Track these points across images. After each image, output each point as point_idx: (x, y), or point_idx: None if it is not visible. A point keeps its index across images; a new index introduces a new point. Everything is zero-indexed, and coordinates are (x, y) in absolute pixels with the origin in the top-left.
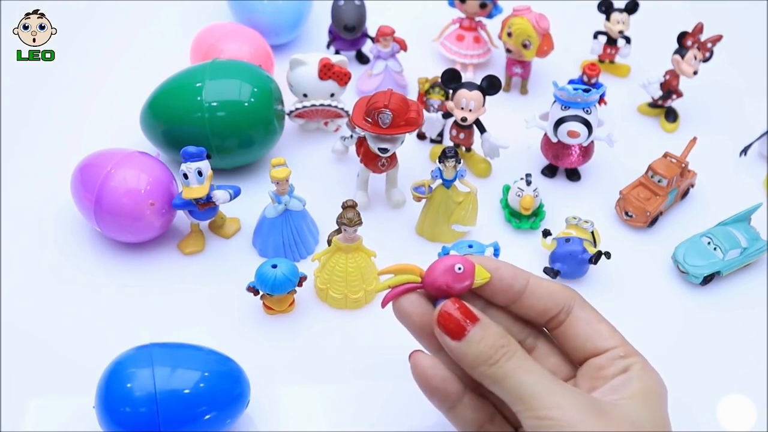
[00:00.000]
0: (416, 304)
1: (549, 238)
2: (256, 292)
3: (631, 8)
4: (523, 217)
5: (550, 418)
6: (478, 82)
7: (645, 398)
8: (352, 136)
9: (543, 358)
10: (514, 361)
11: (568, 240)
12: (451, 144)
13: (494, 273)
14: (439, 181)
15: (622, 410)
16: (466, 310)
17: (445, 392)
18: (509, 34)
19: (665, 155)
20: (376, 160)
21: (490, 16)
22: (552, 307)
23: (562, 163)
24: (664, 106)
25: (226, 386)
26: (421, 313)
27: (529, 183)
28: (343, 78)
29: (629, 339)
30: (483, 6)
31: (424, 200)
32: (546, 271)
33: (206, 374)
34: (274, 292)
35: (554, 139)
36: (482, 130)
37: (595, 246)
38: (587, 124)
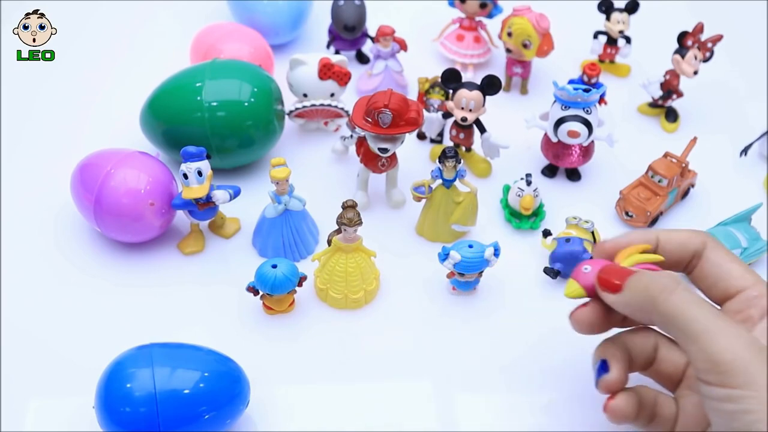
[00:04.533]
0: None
1: (549, 238)
2: (256, 292)
3: (632, 8)
4: (523, 217)
5: (722, 362)
6: (478, 82)
7: None
8: (352, 136)
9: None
10: (679, 295)
11: (568, 240)
12: (451, 144)
13: (627, 241)
14: (439, 181)
15: None
16: (618, 272)
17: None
18: (509, 34)
19: (665, 155)
20: (376, 160)
21: (490, 15)
22: (684, 256)
23: (562, 163)
24: (664, 106)
25: (225, 386)
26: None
27: (529, 183)
28: (343, 78)
29: None
30: (483, 6)
31: (424, 200)
32: (546, 271)
33: (206, 374)
34: (274, 292)
35: (554, 139)
36: (482, 130)
37: (595, 246)
38: (587, 124)
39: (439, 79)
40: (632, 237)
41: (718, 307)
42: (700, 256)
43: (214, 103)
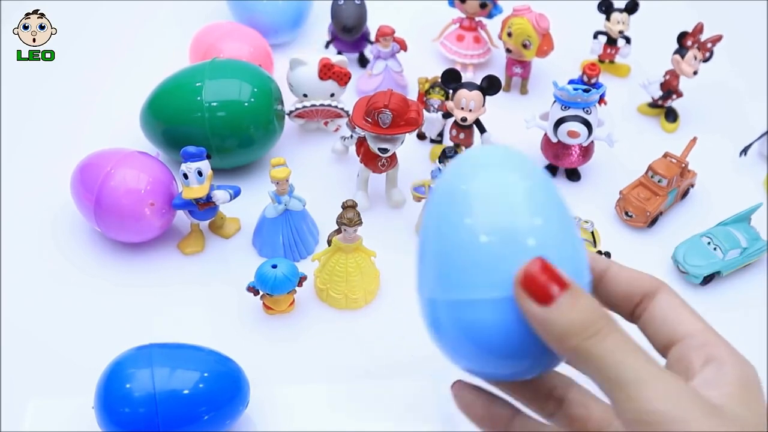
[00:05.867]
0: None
1: None
2: (256, 292)
3: (631, 8)
4: None
5: (654, 411)
6: (478, 82)
7: (744, 394)
8: (352, 136)
9: None
10: (613, 337)
11: None
12: (451, 144)
13: None
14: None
15: (733, 411)
16: (556, 274)
17: (493, 419)
18: (509, 34)
19: (665, 155)
20: (376, 160)
21: (490, 16)
22: (634, 293)
23: (562, 163)
24: (664, 106)
25: (225, 386)
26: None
27: None
28: (343, 78)
29: None
30: (483, 6)
31: (424, 200)
32: None
33: (206, 375)
34: (274, 292)
35: (554, 139)
36: (482, 130)
37: (595, 246)
38: (587, 124)
39: (439, 79)
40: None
41: (663, 359)
42: (652, 298)
43: (214, 103)
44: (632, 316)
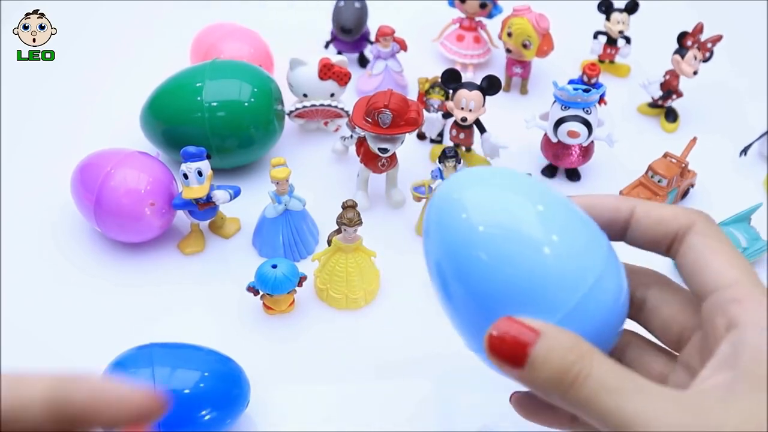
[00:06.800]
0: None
1: None
2: (256, 292)
3: (631, 8)
4: None
5: None
6: (478, 82)
7: (755, 382)
8: (352, 136)
9: (654, 312)
10: (592, 379)
11: None
12: (451, 144)
13: (592, 210)
14: (439, 181)
15: (730, 415)
16: (522, 327)
17: (555, 421)
18: (509, 34)
19: (665, 155)
20: (376, 160)
21: (490, 16)
22: (661, 235)
23: (562, 163)
24: (664, 106)
25: (226, 386)
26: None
27: None
28: (343, 78)
29: None
30: (483, 6)
31: (424, 200)
32: None
33: (206, 374)
34: (274, 292)
35: (554, 139)
36: (482, 130)
37: None
38: (587, 124)
39: (439, 80)
40: (603, 205)
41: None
42: (682, 239)
43: (214, 104)
44: (668, 254)
